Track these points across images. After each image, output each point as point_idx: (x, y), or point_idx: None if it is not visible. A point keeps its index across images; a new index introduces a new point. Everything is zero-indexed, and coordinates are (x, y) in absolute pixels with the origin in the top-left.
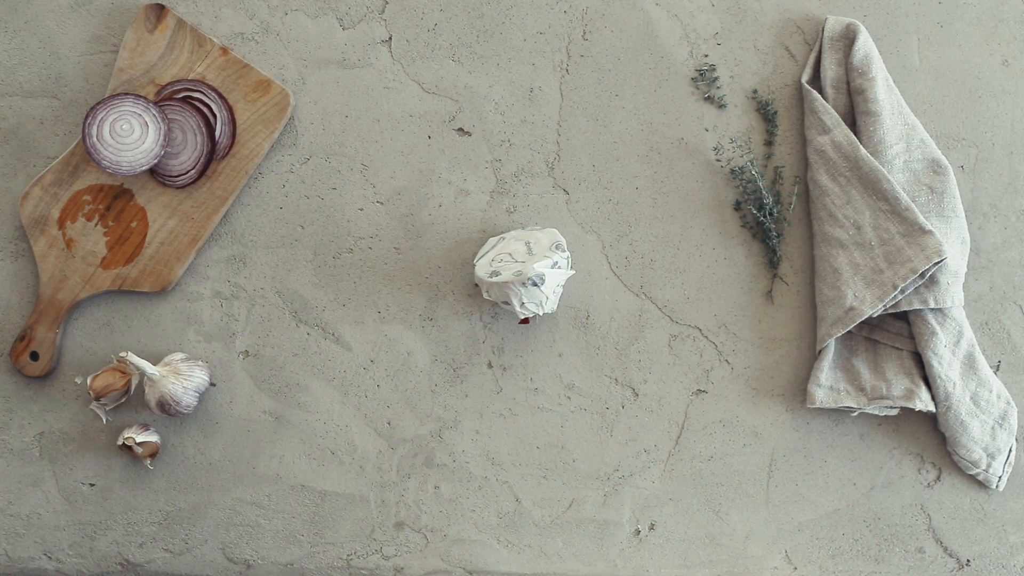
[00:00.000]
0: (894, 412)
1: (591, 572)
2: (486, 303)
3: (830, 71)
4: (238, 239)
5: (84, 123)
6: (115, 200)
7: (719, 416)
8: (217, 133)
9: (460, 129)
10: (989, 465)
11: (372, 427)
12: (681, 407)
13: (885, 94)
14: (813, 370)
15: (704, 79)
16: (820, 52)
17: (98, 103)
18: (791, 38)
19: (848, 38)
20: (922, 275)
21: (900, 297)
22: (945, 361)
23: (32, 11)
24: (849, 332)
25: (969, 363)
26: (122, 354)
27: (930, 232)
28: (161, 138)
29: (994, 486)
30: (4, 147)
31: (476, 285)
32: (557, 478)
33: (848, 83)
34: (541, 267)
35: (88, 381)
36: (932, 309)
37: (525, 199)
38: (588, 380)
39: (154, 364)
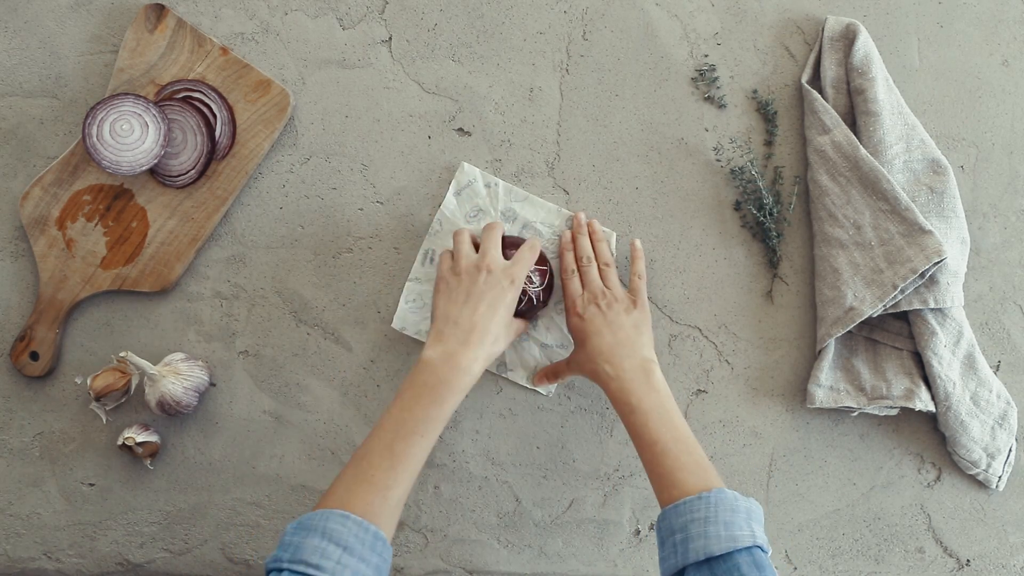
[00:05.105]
0: (894, 412)
1: (591, 572)
2: None
3: (830, 71)
4: (238, 239)
5: (84, 123)
6: (115, 200)
7: (719, 416)
8: (217, 133)
9: (460, 129)
10: (989, 465)
11: (372, 427)
12: (681, 407)
13: (885, 94)
14: (813, 370)
15: (704, 79)
16: (820, 52)
17: (98, 103)
18: (791, 38)
19: (848, 38)
20: (922, 275)
21: (900, 297)
22: (945, 361)
23: (32, 11)
24: (849, 332)
25: (969, 363)
26: (122, 354)
27: (930, 232)
28: (161, 138)
29: (994, 486)
30: (4, 147)
31: None
32: (557, 478)
33: (848, 83)
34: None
35: (88, 381)
36: (932, 309)
37: None
38: (588, 380)
39: (154, 364)
